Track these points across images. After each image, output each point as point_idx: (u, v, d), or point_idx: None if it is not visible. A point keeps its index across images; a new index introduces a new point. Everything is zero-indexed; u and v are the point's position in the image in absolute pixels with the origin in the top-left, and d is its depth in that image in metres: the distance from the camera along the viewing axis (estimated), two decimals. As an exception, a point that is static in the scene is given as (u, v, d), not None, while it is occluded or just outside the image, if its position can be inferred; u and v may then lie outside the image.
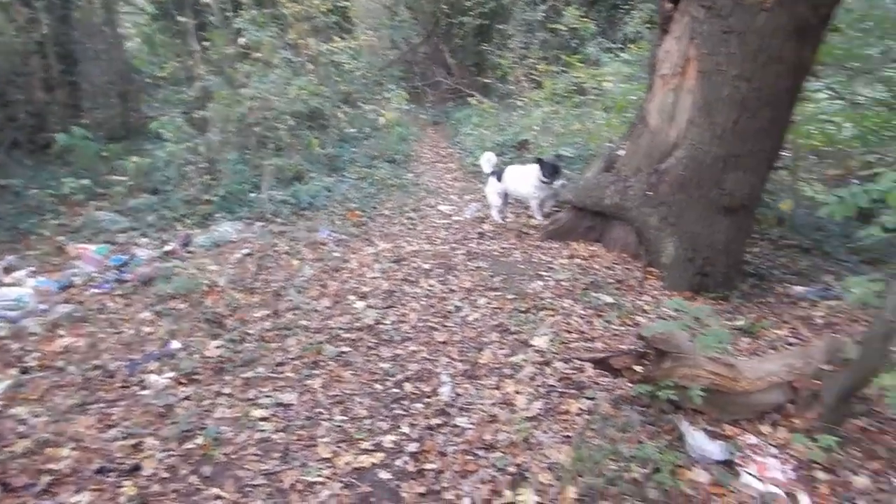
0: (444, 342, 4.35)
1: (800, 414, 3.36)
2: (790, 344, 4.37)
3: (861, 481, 2.98)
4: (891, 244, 5.79)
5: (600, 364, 3.48)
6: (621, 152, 6.03)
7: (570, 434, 3.26)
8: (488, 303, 4.90)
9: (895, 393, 2.90)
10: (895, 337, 3.14)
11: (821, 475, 3.02)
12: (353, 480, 3.00)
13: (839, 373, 3.35)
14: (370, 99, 12.20)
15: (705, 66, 4.88)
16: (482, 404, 3.58)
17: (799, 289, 5.41)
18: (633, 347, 3.49)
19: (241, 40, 8.65)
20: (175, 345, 4.29)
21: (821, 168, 8.33)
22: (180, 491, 2.93)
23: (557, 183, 6.37)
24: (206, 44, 9.23)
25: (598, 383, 3.71)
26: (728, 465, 3.04)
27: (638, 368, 3.32)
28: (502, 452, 3.15)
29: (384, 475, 3.04)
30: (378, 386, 3.82)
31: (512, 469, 3.03)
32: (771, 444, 3.20)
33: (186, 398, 3.67)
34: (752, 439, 3.22)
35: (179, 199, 7.30)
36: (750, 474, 2.98)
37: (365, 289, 5.21)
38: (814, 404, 3.32)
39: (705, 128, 4.90)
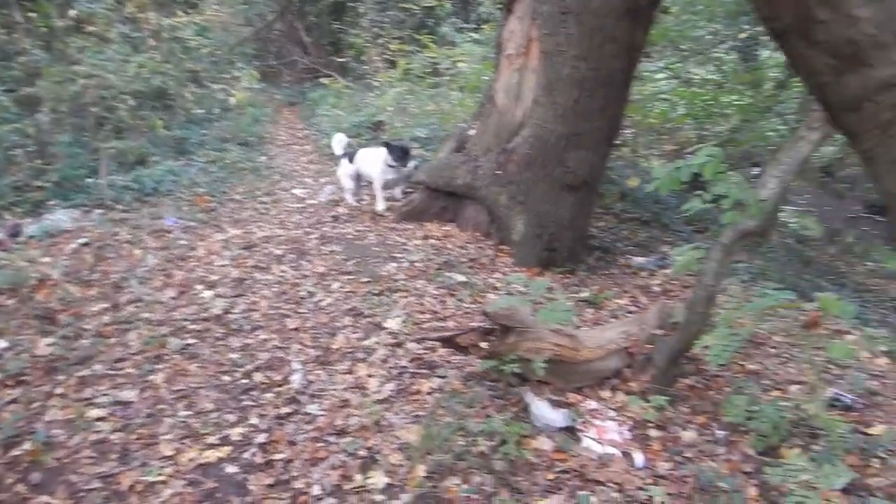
0: (296, 329, 4.24)
1: (636, 377, 3.57)
2: (630, 312, 4.63)
3: (689, 435, 3.21)
4: (714, 214, 6.27)
5: (448, 343, 3.52)
6: (472, 132, 6.11)
7: (421, 414, 3.28)
8: (342, 287, 4.82)
9: (716, 351, 3.14)
10: (715, 300, 3.41)
11: (654, 433, 3.23)
12: (198, 477, 2.87)
13: (669, 336, 3.59)
14: (219, 78, 11.64)
15: (547, 46, 5.02)
16: (334, 390, 3.53)
17: (639, 259, 5.75)
18: (480, 325, 3.54)
19: (72, 12, 7.95)
20: (1, 344, 3.91)
21: (659, 144, 8.89)
22: (5, 502, 2.70)
23: (411, 164, 6.35)
24: (32, 15, 8.40)
25: (449, 362, 3.76)
26: (570, 431, 3.17)
27: (484, 345, 3.39)
28: (353, 437, 3.12)
29: (231, 469, 2.93)
30: (226, 377, 3.67)
31: (363, 453, 3.02)
32: (610, 408, 3.38)
33: (13, 401, 3.36)
34: (593, 404, 3.38)
35: (7, 186, 6.61)
36: (590, 438, 3.12)
37: (213, 277, 4.98)
38: (648, 367, 3.53)
39: (548, 107, 5.05)
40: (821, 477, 2.66)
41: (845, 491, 2.80)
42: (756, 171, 8.37)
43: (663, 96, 8.54)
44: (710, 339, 3.23)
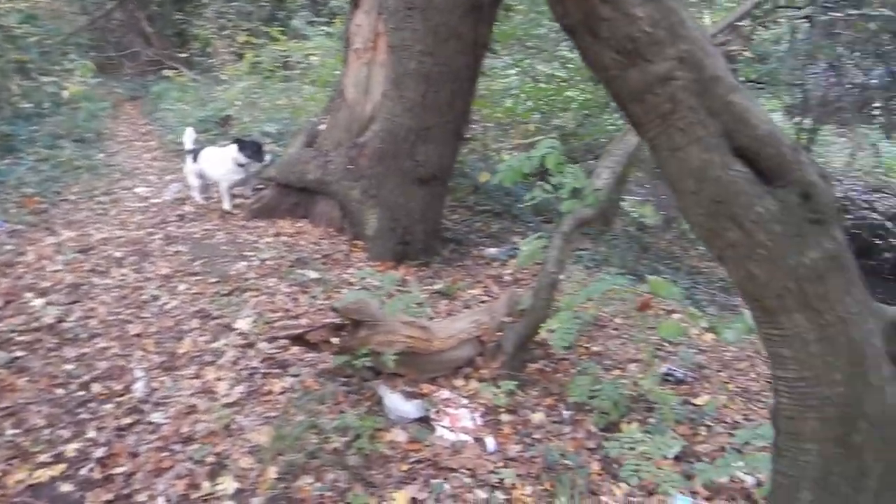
0: (138, 335, 4.00)
1: (487, 365, 3.67)
2: (483, 301, 4.75)
3: (538, 417, 3.35)
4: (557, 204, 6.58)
5: (298, 340, 3.45)
6: (323, 127, 6.02)
7: (273, 414, 3.20)
8: (188, 289, 4.61)
9: (559, 334, 3.30)
10: (558, 286, 3.57)
11: (505, 417, 3.33)
12: (27, 499, 2.66)
13: (517, 323, 3.72)
14: (51, 70, 10.73)
15: (393, 40, 5.03)
16: (180, 396, 3.37)
17: (491, 250, 5.91)
18: (331, 320, 3.51)
19: None
20: None
21: (508, 138, 9.17)
22: None
23: (266, 159, 6.15)
24: None
25: (302, 360, 3.69)
26: (424, 421, 3.21)
27: (335, 340, 3.35)
28: (201, 443, 3.00)
29: (66, 487, 2.74)
30: (60, 391, 3.41)
31: (211, 459, 2.91)
32: (463, 396, 3.45)
33: None
34: (446, 394, 3.44)
35: None
36: (443, 427, 3.18)
37: (45, 284, 4.60)
38: (498, 354, 3.64)
39: (397, 101, 5.07)
40: (655, 447, 2.87)
41: (677, 458, 3.05)
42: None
43: (512, 92, 8.82)
44: (555, 323, 3.39)
